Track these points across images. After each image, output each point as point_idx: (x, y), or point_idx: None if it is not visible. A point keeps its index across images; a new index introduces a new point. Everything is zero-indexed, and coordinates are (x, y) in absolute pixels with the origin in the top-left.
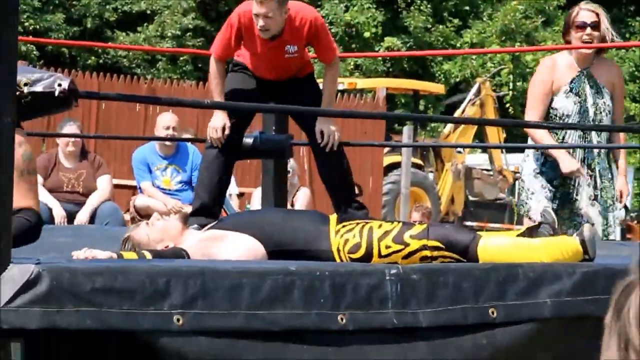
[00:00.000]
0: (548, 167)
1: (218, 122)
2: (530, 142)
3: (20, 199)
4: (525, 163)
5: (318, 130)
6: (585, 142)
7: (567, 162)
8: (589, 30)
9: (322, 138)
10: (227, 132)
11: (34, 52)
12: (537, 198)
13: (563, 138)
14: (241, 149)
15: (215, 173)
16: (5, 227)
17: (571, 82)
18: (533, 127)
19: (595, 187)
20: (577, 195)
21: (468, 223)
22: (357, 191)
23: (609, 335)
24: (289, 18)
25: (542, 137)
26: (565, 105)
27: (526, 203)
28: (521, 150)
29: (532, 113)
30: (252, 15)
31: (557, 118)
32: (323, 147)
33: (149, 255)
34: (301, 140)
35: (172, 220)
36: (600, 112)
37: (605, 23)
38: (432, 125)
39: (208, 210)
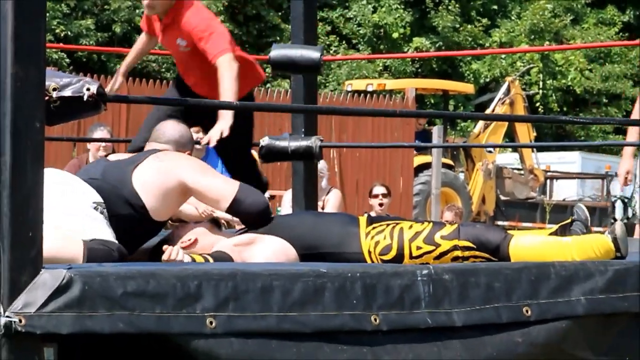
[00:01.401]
0: None
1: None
2: None
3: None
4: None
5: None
6: None
7: (621, 163)
8: None
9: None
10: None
11: (65, 60)
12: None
13: None
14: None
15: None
16: (37, 232)
17: None
18: (561, 122)
19: None
20: None
21: (500, 222)
22: (385, 192)
23: None
24: (178, 8)
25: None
26: None
27: (633, 197)
28: (553, 149)
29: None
30: None
31: None
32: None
33: (211, 260)
34: (331, 142)
35: (204, 225)
36: None
37: None
38: (462, 125)
39: None
